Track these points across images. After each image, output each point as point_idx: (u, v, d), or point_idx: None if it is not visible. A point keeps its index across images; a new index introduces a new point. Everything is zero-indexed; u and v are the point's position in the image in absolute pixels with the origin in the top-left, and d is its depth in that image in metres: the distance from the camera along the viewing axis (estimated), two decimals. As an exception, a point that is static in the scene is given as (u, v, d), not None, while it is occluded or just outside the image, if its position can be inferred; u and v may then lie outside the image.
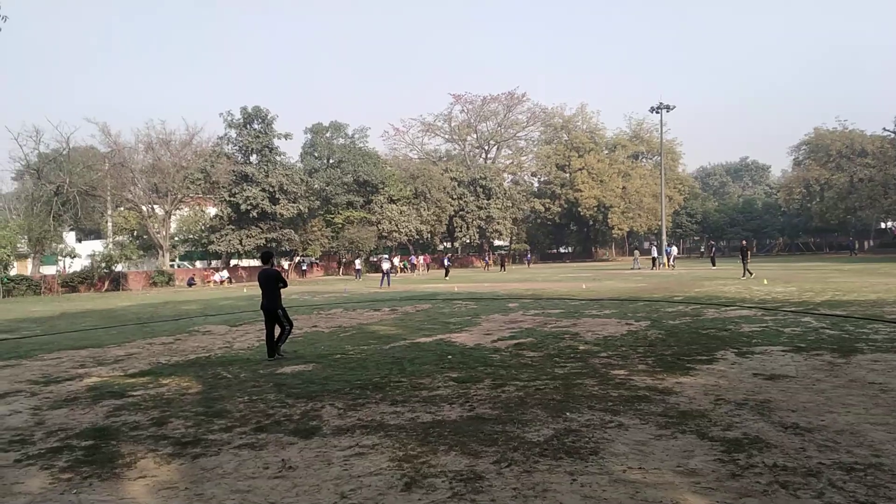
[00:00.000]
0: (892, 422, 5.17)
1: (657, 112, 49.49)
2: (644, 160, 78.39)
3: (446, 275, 40.38)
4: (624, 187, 69.20)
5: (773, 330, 10.71)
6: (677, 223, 76.37)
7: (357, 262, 46.62)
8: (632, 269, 41.42)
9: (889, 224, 77.96)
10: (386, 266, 33.56)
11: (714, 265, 38.42)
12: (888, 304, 14.15)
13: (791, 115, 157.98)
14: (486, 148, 77.73)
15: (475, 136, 76.09)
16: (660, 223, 53.83)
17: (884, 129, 66.18)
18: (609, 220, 67.97)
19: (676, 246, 50.25)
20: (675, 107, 48.91)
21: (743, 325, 11.54)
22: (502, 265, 53.66)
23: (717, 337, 10.16)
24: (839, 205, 62.68)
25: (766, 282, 23.14)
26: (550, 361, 8.52)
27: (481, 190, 64.02)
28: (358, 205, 54.10)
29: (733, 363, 7.94)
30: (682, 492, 3.83)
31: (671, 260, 42.24)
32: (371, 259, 55.34)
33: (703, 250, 65.57)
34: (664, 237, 50.63)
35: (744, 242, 30.76)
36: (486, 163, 74.47)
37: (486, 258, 60.59)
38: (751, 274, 26.50)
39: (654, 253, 45.48)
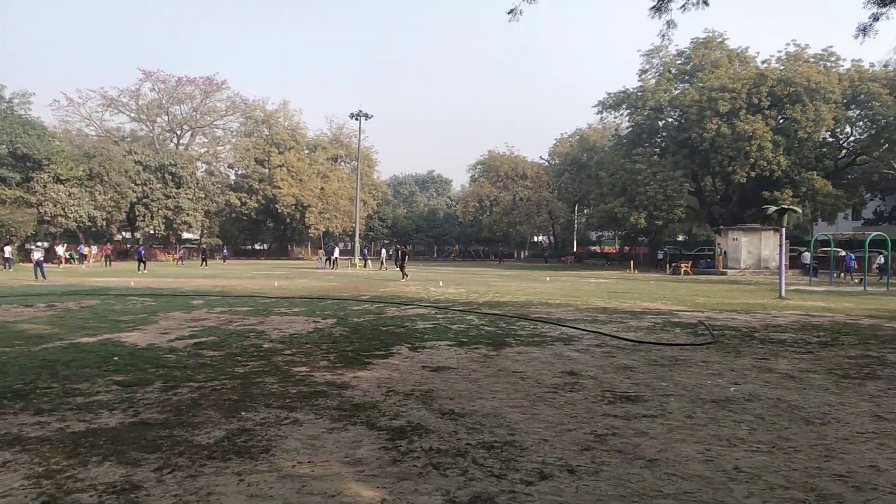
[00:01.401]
0: (526, 404, 6.08)
1: (356, 119, 51.47)
2: (343, 163, 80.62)
3: (142, 267, 36.53)
4: (322, 188, 70.27)
5: (443, 327, 11.85)
6: (370, 226, 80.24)
7: (7, 249, 39.38)
8: (319, 267, 43.01)
9: (540, 237, 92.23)
10: (37, 255, 28.89)
11: (398, 266, 41.11)
12: (533, 304, 16.69)
13: (471, 135, 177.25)
14: (179, 133, 72.23)
15: (166, 118, 70.16)
16: (354, 225, 55.94)
17: (540, 157, 78.56)
18: (306, 220, 68.33)
19: (385, 249, 52.35)
20: (373, 115, 51.48)
21: (418, 322, 12.57)
22: (204, 259, 50.35)
23: (394, 333, 10.89)
24: (504, 219, 72.10)
25: (441, 283, 25.54)
26: (231, 361, 8.23)
27: (170, 177, 59.17)
28: (13, 182, 45.77)
29: (406, 357, 8.58)
30: (347, 481, 4.00)
31: (383, 263, 43.93)
32: (28, 246, 47.29)
33: (391, 254, 69.97)
34: (357, 239, 52.76)
35: (404, 248, 34.08)
36: (177, 149, 69.14)
37: (180, 252, 56.33)
38: (406, 276, 29.19)
39: (336, 254, 46.31)
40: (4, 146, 44.84)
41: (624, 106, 52.14)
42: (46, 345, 9.36)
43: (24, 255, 43.10)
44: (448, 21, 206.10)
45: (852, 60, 46.24)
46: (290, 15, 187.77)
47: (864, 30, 10.16)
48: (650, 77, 50.52)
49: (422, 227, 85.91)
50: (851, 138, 49.73)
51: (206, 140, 74.02)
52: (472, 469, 4.25)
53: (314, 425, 5.26)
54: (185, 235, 70.41)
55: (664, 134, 51.41)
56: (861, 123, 47.82)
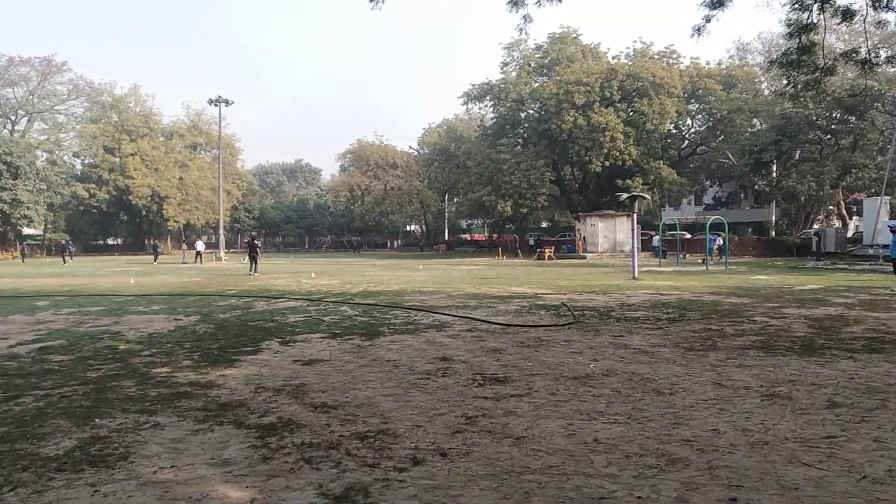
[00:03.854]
0: (399, 392, 6.13)
1: (216, 104, 49.09)
2: (203, 152, 76.75)
3: None
4: (181, 178, 66.54)
5: (315, 319, 11.66)
6: (236, 218, 77.07)
7: None
8: (183, 262, 40.85)
9: (412, 227, 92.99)
10: None
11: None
12: (407, 293, 16.82)
13: (340, 123, 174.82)
14: (14, 118, 65.44)
15: (-3, 101, 63.29)
16: (218, 217, 53.50)
17: (410, 146, 79.01)
18: (164, 212, 64.42)
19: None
20: (234, 101, 49.36)
21: (289, 315, 12.27)
22: (64, 255, 45.50)
23: (264, 328, 10.57)
24: (376, 208, 71.97)
25: (313, 275, 25.08)
26: (83, 365, 7.62)
27: (5, 167, 53.56)
28: None
29: (276, 352, 8.36)
30: (214, 483, 3.85)
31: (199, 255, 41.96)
32: None
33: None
34: (222, 231, 50.57)
35: (253, 239, 31.00)
36: (12, 136, 62.59)
37: (23, 249, 51.18)
38: (255, 272, 26.18)
39: (200, 247, 43.92)
40: None
41: (488, 97, 53.54)
42: None
43: None
44: (311, 7, 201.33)
45: (691, 58, 50.50)
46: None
47: (698, 30, 11.08)
48: (511, 70, 52.22)
49: (291, 218, 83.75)
50: (692, 130, 54.40)
51: (46, 126, 67.52)
52: (346, 460, 4.23)
53: (177, 428, 5.00)
54: (27, 231, 64.12)
55: (526, 125, 53.43)
56: (700, 116, 52.40)
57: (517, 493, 3.68)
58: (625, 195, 25.70)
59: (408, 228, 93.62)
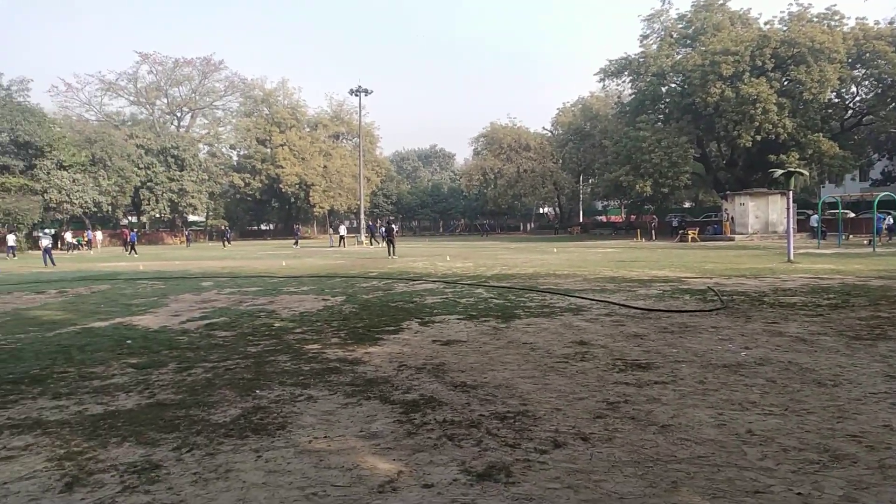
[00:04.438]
0: (537, 375, 6.10)
1: (356, 95, 51.06)
2: (344, 141, 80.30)
3: (133, 251, 37.69)
4: (325, 166, 70.11)
5: (452, 301, 11.88)
6: (375, 203, 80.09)
7: (10, 237, 39.41)
8: (330, 246, 43.13)
9: (545, 209, 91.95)
10: (45, 243, 29.34)
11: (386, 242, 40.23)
12: (541, 276, 16.69)
13: (473, 107, 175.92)
14: (179, 115, 71.99)
15: (166, 100, 69.85)
16: (359, 202, 55.89)
17: (543, 128, 78.00)
18: (311, 198, 68.27)
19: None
20: (372, 91, 51.08)
21: (427, 297, 12.60)
22: (224, 241, 50.74)
23: (404, 309, 10.93)
24: (508, 191, 71.81)
25: (448, 258, 25.57)
26: (244, 340, 8.29)
27: (173, 160, 59.16)
28: (17, 170, 45.85)
29: (416, 332, 8.62)
30: (363, 454, 4.05)
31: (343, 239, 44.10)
32: (35, 234, 47.43)
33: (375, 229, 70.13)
34: (363, 216, 52.79)
35: (389, 224, 32.29)
36: (178, 131, 68.99)
37: (188, 234, 56.88)
38: (394, 255, 27.80)
39: (342, 231, 46.11)
40: (6, 134, 44.82)
41: (626, 73, 51.38)
42: (60, 330, 9.44)
43: (33, 242, 43.22)
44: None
45: (857, 19, 45.51)
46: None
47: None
48: (651, 42, 49.80)
49: (427, 203, 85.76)
50: (857, 98, 49.06)
51: (206, 121, 73.79)
52: (487, 439, 4.28)
53: (328, 401, 5.31)
54: (191, 218, 70.56)
55: (667, 100, 50.78)
56: (867, 83, 47.12)
57: (664, 482, 3.55)
58: (779, 172, 23.77)
59: (541, 211, 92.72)
